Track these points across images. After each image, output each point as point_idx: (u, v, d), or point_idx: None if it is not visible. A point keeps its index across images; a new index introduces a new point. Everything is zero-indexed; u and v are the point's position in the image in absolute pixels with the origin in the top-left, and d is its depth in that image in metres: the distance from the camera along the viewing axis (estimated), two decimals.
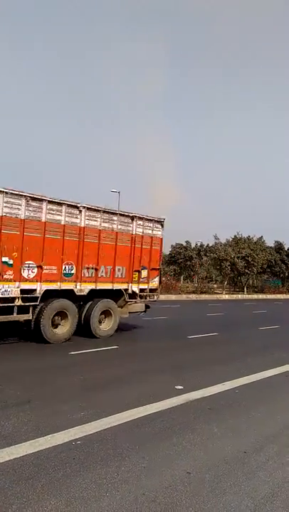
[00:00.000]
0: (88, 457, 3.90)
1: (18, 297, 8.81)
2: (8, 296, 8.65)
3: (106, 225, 10.73)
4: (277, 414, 5.48)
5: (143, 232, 11.74)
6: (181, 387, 6.38)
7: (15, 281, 8.74)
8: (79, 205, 10.01)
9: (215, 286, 45.96)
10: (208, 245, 49.24)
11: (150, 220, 12.03)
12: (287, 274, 49.34)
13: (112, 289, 11.03)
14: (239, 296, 39.29)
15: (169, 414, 5.20)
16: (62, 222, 9.65)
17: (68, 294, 9.95)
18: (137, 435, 4.48)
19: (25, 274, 8.91)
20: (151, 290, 12.42)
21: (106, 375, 7.01)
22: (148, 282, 12.11)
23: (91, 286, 10.41)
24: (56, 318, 9.71)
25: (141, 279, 11.80)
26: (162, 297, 30.75)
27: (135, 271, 11.57)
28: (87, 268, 10.28)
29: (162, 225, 12.44)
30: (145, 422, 4.89)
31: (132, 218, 11.42)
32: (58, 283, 9.63)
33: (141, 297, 11.99)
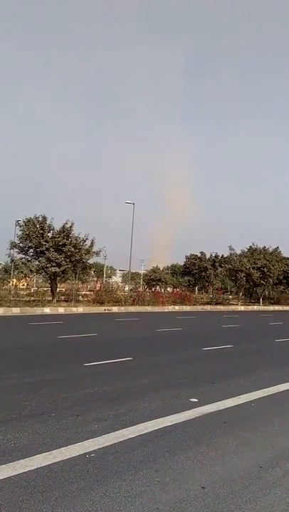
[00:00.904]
0: (102, 470, 3.89)
1: None
2: None
3: None
4: None
5: None
6: (196, 400, 6.33)
7: None
8: None
9: (230, 297, 45.55)
10: (222, 256, 48.87)
11: None
12: None
13: None
14: (255, 308, 38.84)
15: (184, 427, 5.16)
16: None
17: None
18: (151, 448, 4.45)
19: None
20: None
21: (120, 387, 6.99)
22: None
23: None
24: None
25: None
26: (176, 308, 30.81)
27: None
28: None
29: None
30: (160, 435, 4.85)
31: None
32: None
33: None
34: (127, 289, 39.67)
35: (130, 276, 47.65)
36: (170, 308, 30.87)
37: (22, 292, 30.80)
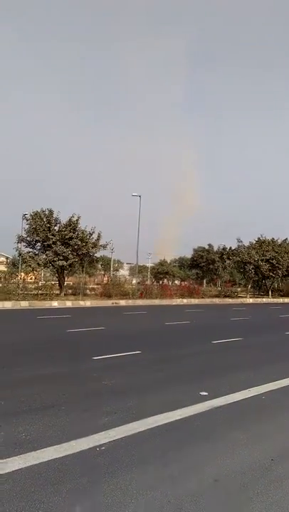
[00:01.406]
0: (113, 463, 3.89)
1: None
2: None
3: None
4: None
5: None
6: (206, 394, 6.31)
7: None
8: None
9: (239, 289, 45.40)
10: (230, 248, 48.65)
11: None
12: None
13: None
14: (264, 300, 38.69)
15: (194, 420, 5.14)
16: None
17: None
18: (161, 441, 4.45)
19: None
20: None
21: (129, 381, 7.00)
22: None
23: None
24: None
25: None
26: (185, 301, 30.80)
27: None
28: None
29: None
30: (170, 428, 4.85)
31: None
32: None
33: None
34: (134, 282, 39.72)
35: (138, 270, 47.65)
36: (178, 301, 30.86)
37: (30, 286, 30.95)
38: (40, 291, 27.14)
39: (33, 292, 27.35)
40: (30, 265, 28.52)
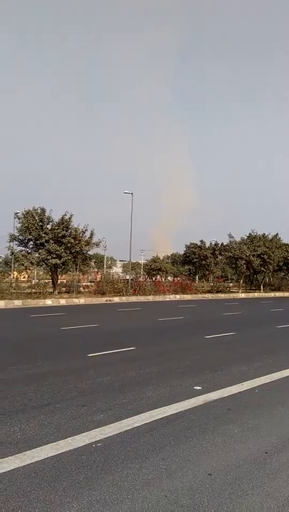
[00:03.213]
0: (109, 459, 3.91)
1: None
2: None
3: None
4: None
5: None
6: (200, 388, 6.36)
7: None
8: None
9: (231, 285, 45.59)
10: (222, 244, 48.79)
11: None
12: None
13: None
14: (256, 295, 38.91)
15: (189, 415, 5.18)
16: None
17: None
18: (157, 436, 4.48)
19: None
20: None
21: (124, 377, 7.01)
22: None
23: None
24: None
25: None
26: (178, 297, 30.87)
27: None
28: None
29: None
30: (165, 423, 4.88)
31: None
32: None
33: None
34: (128, 278, 39.65)
35: (131, 267, 47.61)
36: (171, 297, 30.93)
37: (23, 285, 30.82)
38: (33, 290, 27.02)
39: (26, 291, 27.23)
40: (23, 264, 28.37)
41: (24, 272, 32.91)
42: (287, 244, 47.12)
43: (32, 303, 22.94)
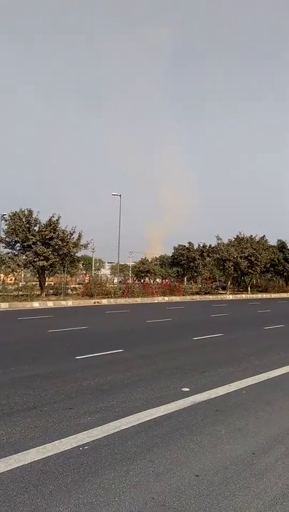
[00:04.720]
0: (96, 462, 3.89)
1: None
2: None
3: None
4: (284, 414, 5.45)
5: None
6: (188, 390, 6.37)
7: None
8: None
9: (218, 286, 45.81)
10: (210, 246, 49.07)
11: None
12: None
13: None
14: (243, 296, 39.20)
15: (176, 416, 5.18)
16: None
17: None
18: (144, 439, 4.47)
19: None
20: None
21: (112, 379, 6.99)
22: None
23: None
24: None
25: None
26: (166, 299, 30.92)
27: None
28: None
29: None
30: (152, 425, 4.87)
31: None
32: None
33: None
34: (116, 281, 39.59)
35: (119, 269, 47.57)
36: (160, 299, 30.96)
37: (10, 287, 30.50)
38: (20, 292, 26.76)
39: (13, 293, 26.96)
40: (9, 266, 28.09)
41: (11, 275, 32.55)
42: (274, 246, 47.67)
43: (19, 305, 22.73)
